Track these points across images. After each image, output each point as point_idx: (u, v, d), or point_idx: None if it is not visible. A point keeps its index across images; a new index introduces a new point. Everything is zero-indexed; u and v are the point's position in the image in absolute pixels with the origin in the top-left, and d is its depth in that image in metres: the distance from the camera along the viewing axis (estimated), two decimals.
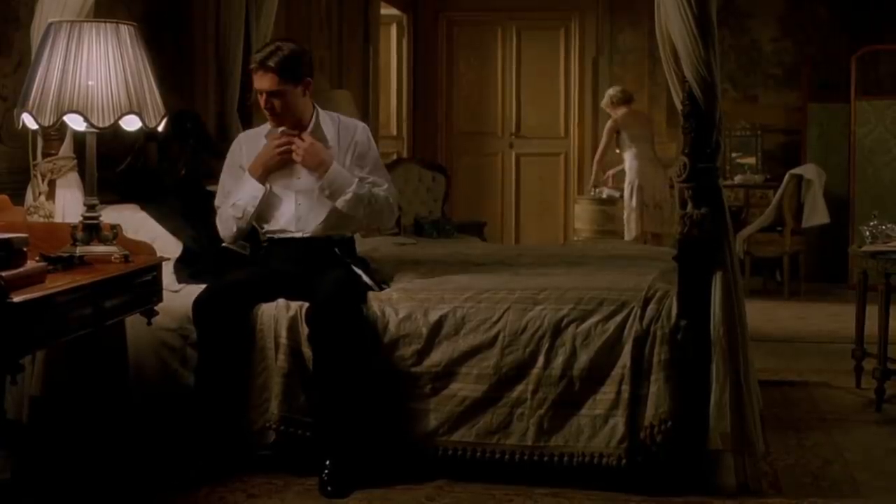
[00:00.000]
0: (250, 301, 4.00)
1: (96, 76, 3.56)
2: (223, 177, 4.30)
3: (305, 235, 4.14)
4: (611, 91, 9.16)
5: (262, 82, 4.05)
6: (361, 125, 4.34)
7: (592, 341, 3.83)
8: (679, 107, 3.86)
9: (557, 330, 3.86)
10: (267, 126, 4.22)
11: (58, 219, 4.02)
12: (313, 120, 4.17)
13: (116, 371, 3.90)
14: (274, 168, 4.13)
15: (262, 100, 4.10)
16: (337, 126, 4.24)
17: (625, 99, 9.02)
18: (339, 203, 4.10)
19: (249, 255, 4.29)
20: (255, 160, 4.15)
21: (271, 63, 4.01)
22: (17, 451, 3.65)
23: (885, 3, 9.24)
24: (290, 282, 4.05)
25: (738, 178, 9.47)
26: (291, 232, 4.14)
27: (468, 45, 10.56)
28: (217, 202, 4.28)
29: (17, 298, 2.82)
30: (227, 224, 4.20)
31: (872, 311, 5.15)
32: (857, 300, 5.31)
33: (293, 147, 4.08)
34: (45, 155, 4.09)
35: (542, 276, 4.32)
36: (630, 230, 8.92)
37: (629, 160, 8.95)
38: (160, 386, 4.04)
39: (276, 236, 4.19)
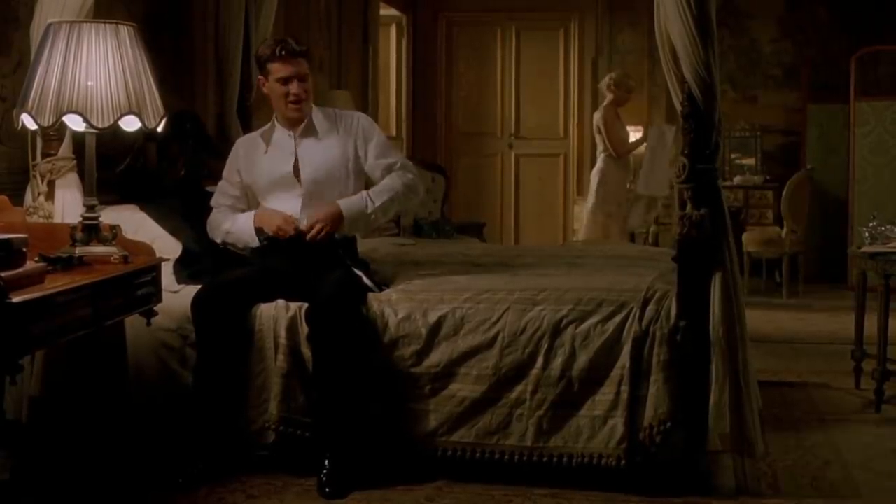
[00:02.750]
0: (249, 299, 4.00)
1: (96, 76, 3.56)
2: (222, 181, 4.36)
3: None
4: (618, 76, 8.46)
5: (293, 66, 4.11)
6: (359, 114, 4.42)
7: (592, 342, 3.83)
8: (678, 107, 3.86)
9: (557, 330, 3.86)
10: (263, 128, 4.25)
11: (57, 219, 4.02)
12: (307, 123, 4.19)
13: (116, 371, 3.90)
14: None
15: (289, 88, 4.12)
16: (333, 119, 4.26)
17: (618, 87, 8.29)
18: (372, 227, 4.30)
19: (249, 255, 4.29)
20: (261, 218, 4.15)
21: (296, 47, 4.12)
22: (17, 451, 3.65)
23: (885, 4, 9.25)
24: (289, 281, 4.05)
25: (737, 179, 9.46)
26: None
27: (468, 46, 10.57)
28: (213, 202, 4.33)
29: (16, 299, 2.82)
30: (216, 230, 4.28)
31: (872, 312, 5.15)
32: (857, 301, 5.31)
33: (309, 237, 4.07)
34: (44, 155, 4.09)
35: (542, 276, 4.32)
36: (587, 231, 8.27)
37: (600, 161, 8.25)
38: (159, 386, 4.04)
39: None
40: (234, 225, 4.23)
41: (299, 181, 4.16)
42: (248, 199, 4.31)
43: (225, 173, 4.36)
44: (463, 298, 3.99)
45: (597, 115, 8.36)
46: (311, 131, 4.20)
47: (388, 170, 4.24)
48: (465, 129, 10.59)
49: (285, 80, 4.12)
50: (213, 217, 4.30)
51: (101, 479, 3.76)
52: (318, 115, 4.24)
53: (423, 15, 10.47)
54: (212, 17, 5.51)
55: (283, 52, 4.09)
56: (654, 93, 9.76)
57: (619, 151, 8.21)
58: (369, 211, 4.15)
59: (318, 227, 4.06)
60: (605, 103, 8.35)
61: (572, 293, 3.95)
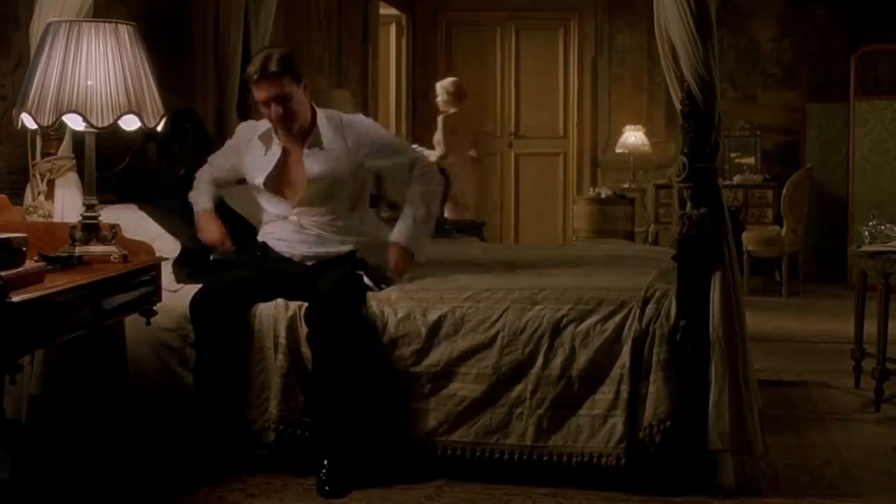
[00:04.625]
0: (248, 300, 4.00)
1: (95, 76, 3.56)
2: (222, 149, 4.43)
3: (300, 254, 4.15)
4: (449, 84, 8.57)
5: (270, 89, 4.01)
6: (361, 117, 4.38)
7: (591, 341, 3.83)
8: (678, 106, 3.86)
9: (556, 330, 3.86)
10: (266, 123, 4.20)
11: (57, 219, 4.02)
12: (314, 130, 4.16)
13: (115, 371, 3.91)
14: None
15: (270, 111, 4.06)
16: (339, 125, 4.22)
17: (464, 94, 8.54)
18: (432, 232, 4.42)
19: (247, 253, 4.26)
20: (202, 228, 4.23)
21: (273, 68, 3.99)
22: (17, 450, 3.65)
23: (885, 3, 9.26)
24: (289, 281, 4.05)
25: (737, 178, 9.47)
26: (290, 252, 4.15)
27: (467, 45, 10.57)
28: (209, 159, 4.44)
29: (16, 298, 2.82)
30: (195, 182, 4.39)
31: (871, 312, 5.15)
32: (856, 300, 5.31)
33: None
34: (44, 155, 4.09)
35: (541, 275, 4.33)
36: None
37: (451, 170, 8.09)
38: (159, 386, 4.04)
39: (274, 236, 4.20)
40: (196, 202, 4.31)
41: (284, 191, 4.15)
42: (229, 181, 4.39)
43: (225, 147, 4.42)
44: (463, 298, 3.99)
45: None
46: (316, 141, 4.16)
47: (411, 167, 4.27)
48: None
49: (265, 103, 4.07)
50: (199, 174, 4.40)
51: (101, 478, 3.76)
52: (322, 124, 4.19)
53: (423, 14, 10.47)
54: (211, 16, 5.50)
55: (257, 76, 4.01)
56: (654, 92, 9.77)
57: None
58: (421, 222, 4.24)
59: (399, 272, 4.18)
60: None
61: (572, 292, 3.95)
